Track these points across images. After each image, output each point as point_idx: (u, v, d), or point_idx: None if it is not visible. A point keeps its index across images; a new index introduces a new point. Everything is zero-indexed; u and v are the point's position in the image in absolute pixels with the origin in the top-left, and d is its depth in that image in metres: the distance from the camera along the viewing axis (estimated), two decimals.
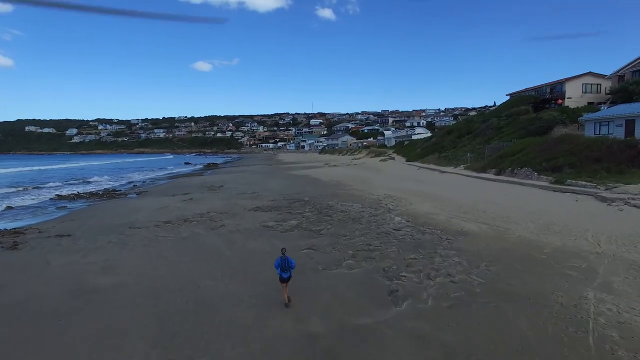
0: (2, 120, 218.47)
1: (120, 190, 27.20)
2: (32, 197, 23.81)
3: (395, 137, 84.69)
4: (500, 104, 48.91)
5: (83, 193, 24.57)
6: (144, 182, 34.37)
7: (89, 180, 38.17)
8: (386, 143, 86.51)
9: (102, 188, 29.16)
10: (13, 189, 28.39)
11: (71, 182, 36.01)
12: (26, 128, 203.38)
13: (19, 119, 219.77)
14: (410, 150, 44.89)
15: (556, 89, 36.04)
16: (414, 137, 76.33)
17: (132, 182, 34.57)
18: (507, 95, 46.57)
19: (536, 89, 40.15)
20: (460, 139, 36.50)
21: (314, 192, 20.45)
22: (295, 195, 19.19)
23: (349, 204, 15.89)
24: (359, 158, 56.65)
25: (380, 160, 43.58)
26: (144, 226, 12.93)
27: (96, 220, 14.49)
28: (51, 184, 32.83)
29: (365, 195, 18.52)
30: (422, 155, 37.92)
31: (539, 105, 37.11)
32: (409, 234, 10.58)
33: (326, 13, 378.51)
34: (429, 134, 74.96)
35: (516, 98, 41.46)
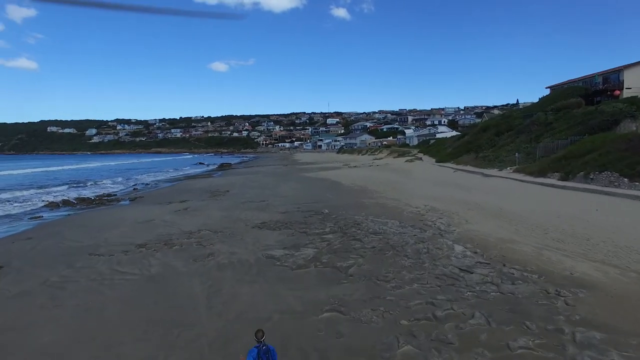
0: (27, 121, 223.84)
1: (116, 194, 24.32)
2: (19, 204, 21.08)
3: (417, 136, 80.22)
4: (542, 98, 44.19)
5: (73, 199, 21.65)
6: (147, 184, 31.49)
7: (96, 182, 35.76)
8: (408, 142, 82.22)
9: (100, 192, 26.42)
10: (9, 194, 25.88)
11: (74, 185, 33.57)
12: (48, 129, 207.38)
13: (41, 120, 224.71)
14: (439, 150, 40.66)
15: (611, 79, 31.21)
16: (438, 135, 71.87)
17: (136, 184, 31.77)
18: (547, 88, 41.82)
19: (584, 79, 35.32)
20: (499, 137, 32.11)
21: (335, 200, 16.80)
22: (311, 205, 15.59)
23: (382, 220, 12.16)
24: (381, 158, 52.63)
25: (406, 161, 39.53)
26: (109, 252, 9.57)
27: (57, 240, 11.24)
28: (53, 188, 30.38)
29: (400, 206, 14.74)
30: (455, 156, 33.70)
31: (589, 98, 32.36)
32: (487, 279, 6.79)
33: (341, 12, 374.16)
34: (454, 133, 70.40)
35: (560, 91, 36.70)
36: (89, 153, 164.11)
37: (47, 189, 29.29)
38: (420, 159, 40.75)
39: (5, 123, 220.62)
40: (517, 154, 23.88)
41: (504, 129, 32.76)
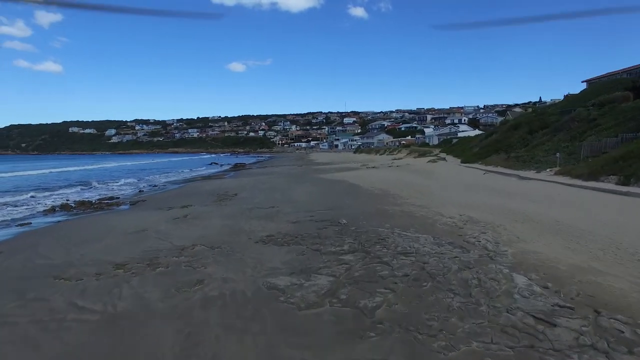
0: (50, 122, 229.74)
1: (119, 197, 22.95)
2: (14, 208, 19.87)
3: (438, 135, 77.25)
4: (568, 95, 41.23)
5: (72, 203, 20.29)
6: (155, 186, 30.18)
7: (106, 183, 34.95)
8: (427, 141, 79.50)
9: (105, 194, 25.26)
10: (12, 197, 24.90)
11: (82, 186, 32.71)
12: (70, 129, 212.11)
13: (64, 121, 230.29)
14: (464, 150, 38.07)
15: None
16: (460, 134, 69.01)
17: (144, 186, 30.51)
18: (583, 82, 38.75)
19: (629, 70, 32.23)
20: (532, 135, 29.41)
21: (354, 207, 14.74)
22: (327, 213, 13.58)
23: (411, 235, 10.05)
24: (400, 158, 50.22)
25: (429, 162, 37.07)
26: (78, 275, 7.81)
27: (26, 255, 9.59)
28: (59, 190, 29.43)
29: (430, 215, 12.56)
30: (483, 156, 31.12)
31: (636, 91, 29.27)
32: (585, 341, 4.62)
33: (358, 12, 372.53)
34: (478, 131, 67.52)
35: (600, 84, 33.63)
36: (108, 153, 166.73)
37: (53, 191, 28.32)
38: (444, 159, 38.21)
39: (30, 124, 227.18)
40: (557, 154, 21.27)
41: (537, 127, 30.02)
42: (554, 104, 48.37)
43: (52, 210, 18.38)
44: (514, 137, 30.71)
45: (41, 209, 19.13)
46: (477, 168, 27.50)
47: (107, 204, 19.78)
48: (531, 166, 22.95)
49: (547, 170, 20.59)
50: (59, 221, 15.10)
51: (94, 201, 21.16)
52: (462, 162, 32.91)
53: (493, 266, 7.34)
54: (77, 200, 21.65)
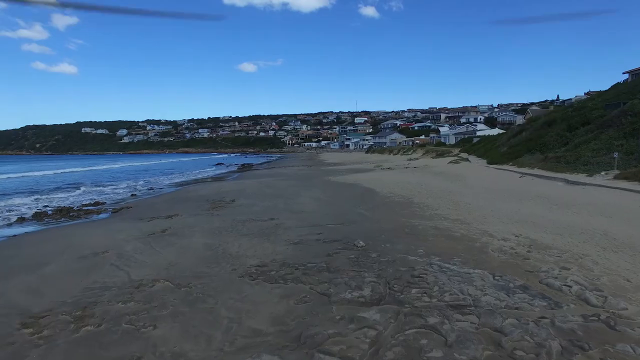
0: (64, 123, 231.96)
1: (104, 203, 20.44)
2: None
3: (454, 134, 73.54)
4: (588, 93, 37.39)
5: (49, 210, 17.91)
6: (150, 189, 27.70)
7: (104, 185, 32.76)
8: (443, 140, 75.96)
9: (94, 199, 22.81)
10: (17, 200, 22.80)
11: (74, 189, 30.44)
12: (83, 130, 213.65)
13: (77, 122, 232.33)
14: (488, 149, 34.70)
15: None
16: (478, 133, 65.37)
17: (140, 189, 28.10)
18: (624, 73, 35.01)
19: None
20: (572, 132, 25.97)
21: (372, 221, 11.80)
22: (338, 229, 10.69)
23: (459, 268, 7.09)
24: (416, 158, 46.97)
25: (450, 163, 33.76)
26: None
27: None
28: (49, 194, 27.09)
29: (475, 234, 9.54)
30: (513, 156, 27.77)
31: None
32: None
33: (369, 11, 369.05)
34: (499, 130, 63.91)
35: None
36: (119, 153, 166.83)
37: (40, 195, 26.03)
38: (467, 159, 34.87)
39: (44, 125, 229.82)
40: (615, 154, 17.90)
41: (577, 123, 26.55)
42: (592, 98, 44.23)
43: (21, 220, 15.90)
44: (549, 135, 27.22)
45: (13, 218, 16.68)
46: (509, 170, 24.22)
47: (86, 212, 17.26)
48: (578, 168, 19.62)
49: (602, 173, 17.29)
50: (15, 235, 12.54)
51: (75, 207, 18.71)
52: (488, 163, 29.61)
53: (629, 350, 4.31)
54: (57, 206, 19.22)
